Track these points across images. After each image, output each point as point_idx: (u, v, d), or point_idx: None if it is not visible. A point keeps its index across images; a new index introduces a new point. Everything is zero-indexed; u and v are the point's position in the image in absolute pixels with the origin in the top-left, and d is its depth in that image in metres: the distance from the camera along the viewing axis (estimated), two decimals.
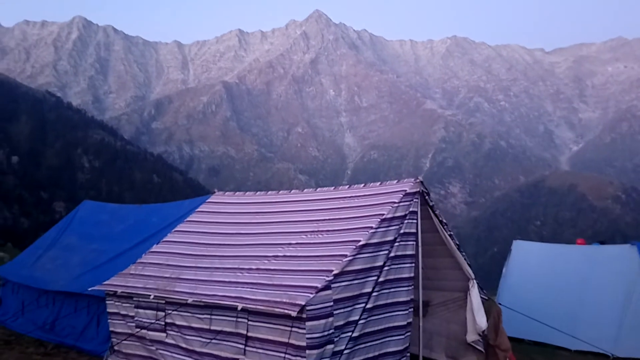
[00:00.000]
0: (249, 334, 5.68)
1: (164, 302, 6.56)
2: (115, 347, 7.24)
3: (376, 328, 6.00)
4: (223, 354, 5.90)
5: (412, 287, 6.46)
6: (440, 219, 7.02)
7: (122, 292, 7.08)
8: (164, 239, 8.27)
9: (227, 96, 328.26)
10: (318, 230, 6.65)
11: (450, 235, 7.15)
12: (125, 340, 6.96)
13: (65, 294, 8.41)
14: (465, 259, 7.39)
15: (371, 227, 6.10)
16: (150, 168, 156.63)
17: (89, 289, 7.48)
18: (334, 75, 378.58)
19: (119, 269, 7.78)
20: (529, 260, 12.05)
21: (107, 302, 7.37)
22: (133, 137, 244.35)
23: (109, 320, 7.38)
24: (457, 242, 7.28)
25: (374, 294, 5.94)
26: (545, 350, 9.86)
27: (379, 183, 7.19)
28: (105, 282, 7.44)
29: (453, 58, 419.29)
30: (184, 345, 6.34)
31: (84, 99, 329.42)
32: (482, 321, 7.24)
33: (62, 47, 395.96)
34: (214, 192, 9.54)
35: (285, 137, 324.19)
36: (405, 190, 6.55)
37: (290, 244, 6.62)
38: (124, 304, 7.13)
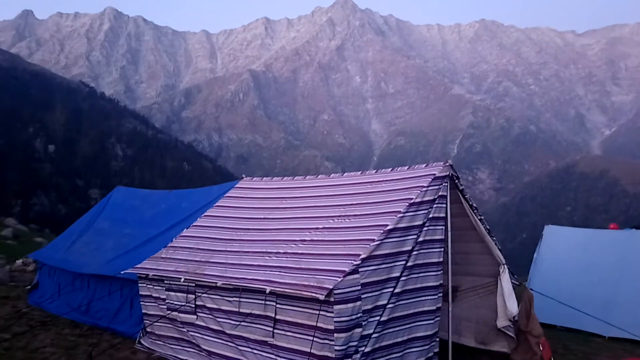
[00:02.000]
0: (278, 317, 5.73)
1: (194, 285, 6.68)
2: (148, 329, 7.42)
3: (405, 312, 5.96)
4: (252, 336, 5.98)
5: (442, 271, 6.39)
6: (471, 203, 6.89)
7: (153, 275, 7.23)
8: (194, 224, 8.39)
9: (254, 84, 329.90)
10: (345, 215, 6.63)
11: (480, 220, 7.01)
12: (157, 322, 7.12)
13: (99, 277, 8.64)
14: (495, 244, 7.25)
15: (399, 212, 6.03)
16: (181, 156, 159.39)
17: (122, 272, 7.67)
18: (360, 61, 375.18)
19: (150, 252, 7.94)
20: (561, 245, 11.78)
21: (140, 285, 7.55)
22: (164, 125, 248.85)
23: (142, 303, 7.56)
24: (488, 227, 7.14)
25: (403, 278, 5.89)
26: (578, 336, 9.65)
27: (407, 167, 7.09)
28: (137, 266, 7.62)
29: (481, 42, 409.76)
30: (214, 327, 6.45)
31: (116, 89, 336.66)
32: (513, 307, 7.12)
33: (95, 38, 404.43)
34: (242, 178, 9.61)
35: (311, 124, 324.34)
36: (435, 174, 6.45)
37: (317, 228, 6.62)
38: (155, 287, 7.29)
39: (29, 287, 11.51)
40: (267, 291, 5.66)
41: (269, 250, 6.57)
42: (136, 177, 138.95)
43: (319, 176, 8.36)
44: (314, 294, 5.17)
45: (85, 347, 7.40)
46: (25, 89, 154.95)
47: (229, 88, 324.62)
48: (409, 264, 5.98)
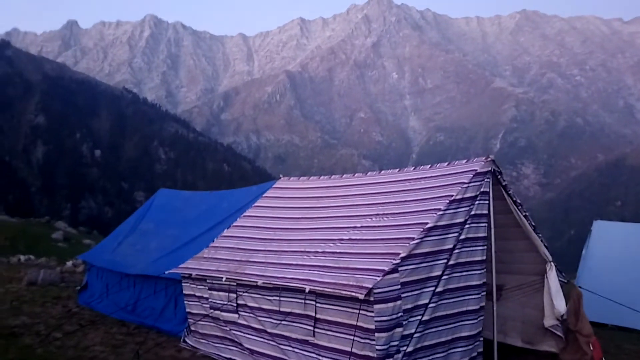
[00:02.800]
0: (318, 316, 5.73)
1: (235, 284, 6.77)
2: (192, 328, 7.58)
3: (448, 312, 5.84)
4: (293, 335, 6.01)
5: (485, 270, 6.23)
6: (514, 199, 6.68)
7: (196, 274, 7.38)
8: (234, 224, 8.51)
9: (291, 85, 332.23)
10: (383, 213, 6.55)
11: (525, 216, 6.80)
12: (200, 320, 7.26)
13: (145, 277, 8.89)
14: (542, 241, 7.02)
15: (439, 209, 5.91)
16: (221, 158, 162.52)
17: (166, 272, 7.86)
18: (397, 57, 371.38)
19: (193, 252, 8.10)
20: (611, 241, 11.31)
21: (183, 284, 7.72)
22: (204, 128, 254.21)
23: (185, 302, 7.73)
24: (533, 224, 6.91)
25: (444, 277, 5.78)
26: (631, 335, 9.21)
27: (446, 164, 6.94)
28: (180, 266, 7.79)
29: (523, 33, 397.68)
30: (255, 326, 6.52)
31: (158, 94, 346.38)
32: (561, 305, 6.87)
33: (136, 45, 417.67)
34: (280, 178, 9.67)
35: (348, 123, 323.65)
36: (476, 170, 6.29)
37: (355, 227, 6.58)
38: (198, 286, 7.44)
39: (78, 287, 11.98)
40: (307, 290, 5.67)
41: (307, 250, 6.58)
42: (178, 179, 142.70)
43: (356, 175, 8.32)
44: (353, 293, 5.14)
45: (132, 346, 7.62)
46: (72, 96, 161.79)
47: (266, 89, 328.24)
48: (451, 262, 5.86)
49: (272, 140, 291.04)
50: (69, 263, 17.60)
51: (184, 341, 7.73)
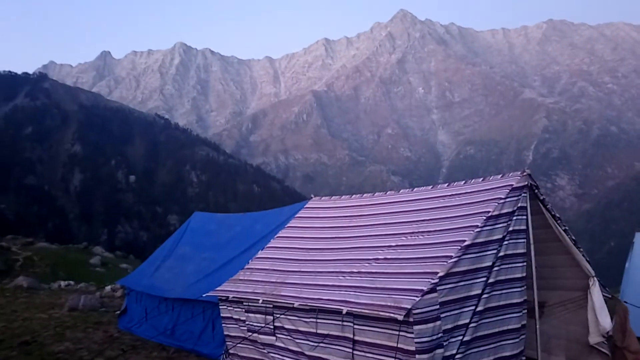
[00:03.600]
0: (356, 338, 5.67)
1: (271, 306, 6.78)
2: (231, 351, 7.60)
3: (489, 331, 5.71)
4: (332, 358, 5.95)
5: (525, 287, 6.08)
6: (553, 213, 6.54)
7: (233, 297, 7.43)
8: (268, 245, 8.57)
9: (317, 105, 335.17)
10: (418, 232, 6.49)
11: (565, 231, 6.63)
12: (239, 343, 7.29)
13: (183, 300, 9.01)
14: (583, 255, 6.82)
15: (476, 226, 5.82)
16: (251, 179, 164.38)
17: (204, 295, 7.94)
18: (423, 72, 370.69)
19: (229, 275, 8.18)
20: None
21: (220, 307, 7.77)
22: (234, 150, 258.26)
23: (223, 325, 7.78)
24: (574, 238, 6.73)
25: (484, 295, 5.66)
26: None
27: (481, 179, 6.86)
28: (217, 288, 7.86)
29: (551, 42, 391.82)
30: (293, 349, 6.49)
31: (189, 119, 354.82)
32: (606, 321, 6.62)
33: (167, 73, 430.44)
34: (311, 198, 9.71)
35: (375, 139, 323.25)
36: (512, 185, 6.20)
37: (390, 246, 6.53)
38: (235, 309, 7.48)
39: (118, 312, 12.22)
40: (344, 312, 5.63)
41: (342, 270, 6.55)
42: (210, 201, 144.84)
43: (388, 192, 8.27)
44: (392, 314, 5.08)
45: None
46: (107, 125, 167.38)
47: (293, 110, 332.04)
48: (490, 280, 5.75)
49: (301, 160, 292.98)
50: (108, 288, 17.98)
51: None
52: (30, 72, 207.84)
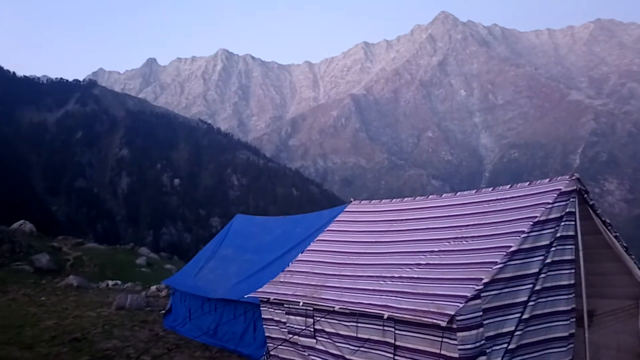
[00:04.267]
0: (397, 343, 5.62)
1: (312, 309, 6.81)
2: (272, 352, 7.69)
3: (534, 339, 5.56)
4: None
5: (573, 295, 5.88)
6: (603, 219, 6.29)
7: (274, 299, 7.51)
8: (308, 248, 8.62)
9: (356, 108, 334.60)
10: (462, 237, 6.38)
11: (616, 237, 6.37)
12: (280, 345, 7.36)
13: (225, 301, 9.17)
14: (635, 263, 6.53)
15: (522, 232, 5.68)
16: (290, 182, 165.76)
17: (245, 297, 8.06)
18: (464, 74, 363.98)
19: (270, 277, 8.28)
20: None
21: (262, 308, 7.87)
22: (273, 154, 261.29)
23: (264, 326, 7.87)
24: (625, 245, 6.45)
25: (530, 303, 5.52)
26: None
27: (527, 183, 6.68)
28: (258, 290, 7.97)
29: (598, 43, 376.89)
30: (333, 352, 6.50)
31: (230, 124, 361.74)
32: None
33: (210, 79, 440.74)
34: (351, 202, 9.70)
35: (415, 143, 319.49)
36: (560, 189, 6.01)
37: (432, 251, 6.45)
38: (276, 311, 7.56)
39: (163, 311, 12.56)
40: (385, 317, 5.60)
41: (383, 275, 6.51)
42: (250, 204, 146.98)
43: (430, 196, 8.17)
44: (434, 320, 5.02)
45: None
46: (153, 130, 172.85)
47: (332, 114, 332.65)
48: (537, 287, 5.60)
49: (339, 164, 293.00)
50: (153, 287, 18.49)
51: None
52: (81, 79, 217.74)
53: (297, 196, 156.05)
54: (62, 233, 45.21)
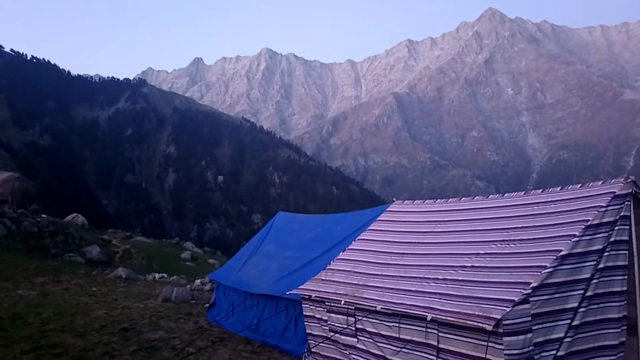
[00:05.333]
0: (440, 346, 5.55)
1: (353, 308, 6.81)
2: (313, 349, 7.73)
3: (584, 347, 5.40)
4: None
5: (625, 302, 5.67)
6: None
7: (315, 296, 7.55)
8: (349, 247, 8.60)
9: (398, 107, 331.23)
10: (509, 240, 6.22)
11: None
12: (321, 343, 7.39)
13: (267, 296, 9.30)
14: None
15: (574, 235, 5.49)
16: (330, 181, 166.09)
17: (287, 293, 8.15)
18: (512, 72, 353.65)
19: (311, 274, 8.32)
20: None
21: (303, 305, 7.93)
22: (314, 153, 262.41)
23: (305, 323, 7.93)
24: None
25: (581, 309, 5.34)
26: None
27: (579, 185, 6.44)
28: (300, 287, 8.03)
29: None
30: (375, 352, 6.47)
31: (273, 122, 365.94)
32: None
33: (253, 78, 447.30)
34: (393, 201, 9.60)
35: (459, 142, 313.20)
36: (614, 192, 5.76)
37: (478, 253, 6.31)
38: (317, 308, 7.59)
39: (207, 305, 12.87)
40: (428, 318, 5.54)
41: (426, 276, 6.43)
42: (291, 201, 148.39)
43: (476, 197, 7.98)
44: (480, 324, 4.92)
45: None
46: (198, 128, 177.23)
47: (373, 113, 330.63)
48: (588, 293, 5.42)
49: (380, 163, 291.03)
50: (197, 281, 18.97)
51: None
52: (131, 78, 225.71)
53: (337, 195, 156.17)
54: (111, 226, 47.12)
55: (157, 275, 22.48)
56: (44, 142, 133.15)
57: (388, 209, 9.30)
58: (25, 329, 9.02)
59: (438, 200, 8.69)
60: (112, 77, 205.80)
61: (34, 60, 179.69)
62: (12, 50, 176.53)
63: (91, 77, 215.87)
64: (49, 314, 10.56)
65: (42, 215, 29.25)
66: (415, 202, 9.22)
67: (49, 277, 16.45)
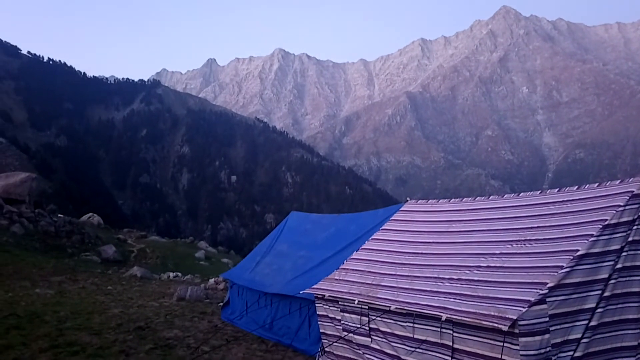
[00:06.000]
0: (455, 346, 5.51)
1: (367, 307, 6.79)
2: (327, 349, 7.73)
3: (601, 348, 5.34)
4: None
5: None
6: None
7: (329, 296, 7.55)
8: (363, 247, 8.58)
9: (411, 106, 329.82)
10: (525, 239, 6.15)
11: None
12: (335, 342, 7.39)
13: (281, 296, 9.32)
14: None
15: (591, 235, 5.41)
16: (343, 181, 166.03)
17: (301, 292, 8.16)
18: (527, 71, 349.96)
19: (324, 274, 8.32)
20: None
21: (317, 304, 7.93)
22: (327, 152, 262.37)
23: (319, 322, 7.93)
24: None
25: (599, 310, 5.28)
26: None
27: (596, 184, 6.35)
28: (313, 286, 8.03)
29: None
30: (389, 352, 6.45)
31: (285, 122, 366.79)
32: None
33: (266, 78, 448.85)
34: (407, 201, 9.56)
35: (473, 141, 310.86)
36: (632, 191, 5.68)
37: (494, 253, 6.25)
38: (331, 307, 7.59)
39: (221, 304, 12.94)
40: (443, 318, 5.50)
41: (441, 276, 6.40)
42: (304, 201, 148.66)
43: (491, 197, 7.91)
44: (496, 324, 4.88)
45: None
46: (212, 128, 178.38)
47: (386, 112, 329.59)
48: (606, 294, 5.35)
49: (393, 162, 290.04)
50: (211, 280, 19.09)
51: None
52: (146, 79, 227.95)
53: (350, 194, 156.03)
54: (127, 226, 47.61)
55: (171, 275, 22.70)
56: (60, 143, 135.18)
57: (402, 209, 9.26)
58: (43, 327, 9.16)
59: (452, 200, 8.63)
60: (127, 79, 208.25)
61: (51, 62, 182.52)
62: (29, 52, 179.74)
63: (106, 78, 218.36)
64: (66, 313, 10.72)
65: (59, 215, 29.71)
66: (430, 201, 9.16)
67: (65, 276, 16.69)
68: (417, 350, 5.98)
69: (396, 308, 6.23)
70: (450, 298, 5.78)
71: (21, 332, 8.57)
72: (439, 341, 5.70)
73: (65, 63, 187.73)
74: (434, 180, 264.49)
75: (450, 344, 5.55)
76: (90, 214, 37.29)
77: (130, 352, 8.16)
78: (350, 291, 7.26)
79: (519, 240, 6.19)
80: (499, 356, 4.98)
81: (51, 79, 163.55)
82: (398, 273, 7.11)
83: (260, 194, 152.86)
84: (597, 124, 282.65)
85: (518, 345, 4.85)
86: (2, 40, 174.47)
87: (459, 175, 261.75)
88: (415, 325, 6.02)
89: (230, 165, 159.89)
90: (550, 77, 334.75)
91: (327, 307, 7.67)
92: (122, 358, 7.79)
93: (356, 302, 6.94)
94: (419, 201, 9.41)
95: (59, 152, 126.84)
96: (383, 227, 8.89)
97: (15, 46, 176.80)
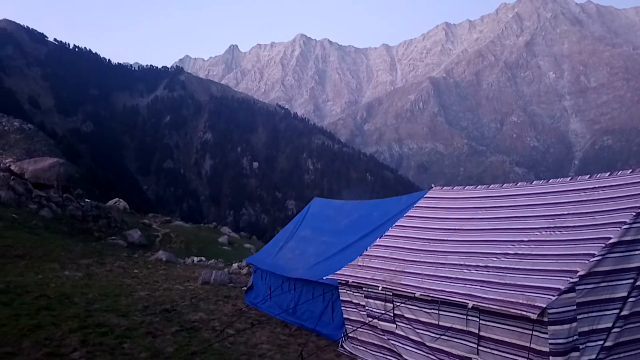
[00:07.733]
0: (482, 334, 5.47)
1: (391, 294, 6.78)
2: (350, 334, 7.77)
3: (633, 337, 5.22)
4: (454, 351, 5.81)
5: None
6: None
7: (353, 281, 7.56)
8: (386, 233, 8.54)
9: (434, 92, 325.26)
10: (554, 227, 6.03)
11: None
12: (359, 328, 7.42)
13: (304, 281, 9.36)
14: None
15: (624, 222, 5.26)
16: (364, 167, 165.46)
17: (324, 278, 8.19)
18: (554, 55, 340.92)
19: (347, 260, 8.33)
20: None
21: (340, 290, 7.96)
22: (348, 139, 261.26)
23: (342, 308, 7.96)
24: None
25: (631, 299, 5.14)
26: None
27: (629, 171, 6.16)
28: (337, 272, 8.05)
29: None
30: (414, 338, 6.44)
31: (307, 109, 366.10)
32: None
33: (288, 64, 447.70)
34: (432, 187, 9.46)
35: (498, 128, 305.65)
36: None
37: (522, 241, 6.15)
38: (354, 293, 7.61)
39: (245, 288, 13.09)
40: (470, 306, 5.45)
41: (467, 263, 6.32)
42: (325, 188, 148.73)
43: (519, 184, 7.76)
44: (524, 312, 4.81)
45: (295, 347, 8.09)
46: (234, 114, 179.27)
47: (409, 98, 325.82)
48: (638, 283, 5.19)
49: (415, 149, 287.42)
50: (235, 265, 19.33)
51: (342, 346, 7.95)
52: (169, 66, 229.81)
53: (371, 181, 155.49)
54: (151, 211, 48.47)
55: (195, 259, 23.05)
56: (86, 129, 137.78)
57: (426, 195, 9.18)
58: (72, 308, 9.40)
59: (479, 187, 8.51)
60: (151, 66, 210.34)
61: (77, 50, 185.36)
62: (55, 39, 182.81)
63: (131, 65, 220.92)
64: (94, 295, 10.98)
65: (86, 200, 30.39)
66: (455, 188, 9.05)
67: (93, 259, 17.09)
68: (443, 337, 5.95)
69: (421, 295, 6.20)
70: (476, 285, 5.72)
71: (51, 313, 8.81)
72: (464, 328, 5.65)
73: (90, 50, 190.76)
74: (457, 167, 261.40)
75: (477, 331, 5.50)
76: (116, 199, 38.07)
77: (157, 333, 8.32)
78: (374, 277, 7.25)
79: (548, 228, 6.06)
80: (527, 344, 4.92)
81: (77, 66, 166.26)
82: (423, 260, 7.07)
83: (281, 181, 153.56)
84: (626, 110, 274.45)
85: (547, 333, 4.78)
86: (29, 28, 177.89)
87: (483, 162, 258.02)
88: (441, 313, 5.98)
89: (252, 151, 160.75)
90: (578, 62, 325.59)
91: (351, 292, 7.69)
92: (149, 339, 7.95)
93: (380, 288, 6.93)
94: (444, 188, 9.30)
95: (85, 137, 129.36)
96: (407, 214, 8.82)
97: (42, 33, 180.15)
